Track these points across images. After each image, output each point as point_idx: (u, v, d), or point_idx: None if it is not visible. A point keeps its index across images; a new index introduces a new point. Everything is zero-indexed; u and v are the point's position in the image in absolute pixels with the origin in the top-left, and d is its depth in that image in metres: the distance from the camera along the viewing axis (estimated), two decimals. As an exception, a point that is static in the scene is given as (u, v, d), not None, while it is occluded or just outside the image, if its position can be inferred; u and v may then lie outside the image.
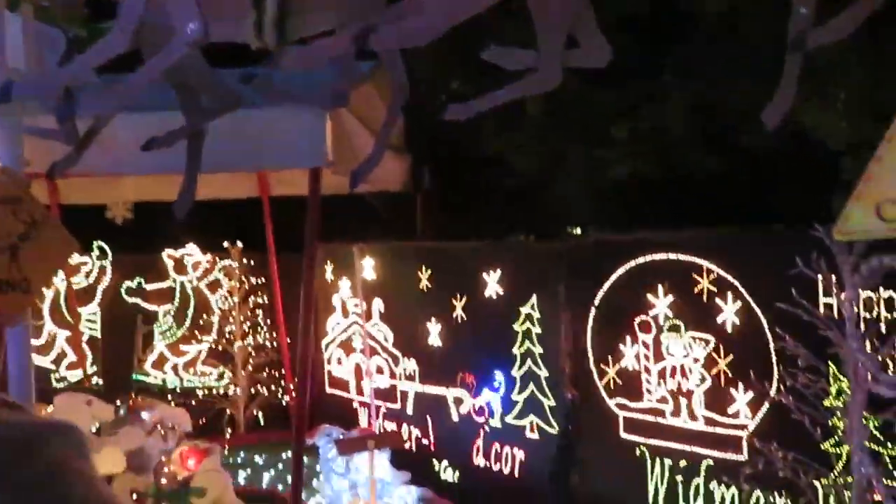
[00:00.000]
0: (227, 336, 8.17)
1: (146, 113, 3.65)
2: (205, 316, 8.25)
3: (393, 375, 7.15)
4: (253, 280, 8.12)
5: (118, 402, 5.84)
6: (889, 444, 3.49)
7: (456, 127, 7.01)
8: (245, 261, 8.17)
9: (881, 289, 4.17)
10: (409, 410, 7.03)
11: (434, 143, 6.57)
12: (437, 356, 6.79)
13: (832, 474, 3.65)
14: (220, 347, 8.18)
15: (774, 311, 4.26)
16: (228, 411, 8.06)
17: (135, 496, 5.38)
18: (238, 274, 8.18)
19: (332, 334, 7.81)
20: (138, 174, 5.20)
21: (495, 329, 6.32)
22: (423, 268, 6.88)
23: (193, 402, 7.74)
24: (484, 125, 6.45)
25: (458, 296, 6.58)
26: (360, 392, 7.56)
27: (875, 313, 4.22)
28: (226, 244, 8.22)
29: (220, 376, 8.19)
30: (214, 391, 8.13)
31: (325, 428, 6.21)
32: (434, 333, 6.79)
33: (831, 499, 4.39)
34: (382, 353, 7.21)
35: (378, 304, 7.24)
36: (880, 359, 3.10)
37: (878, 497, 3.37)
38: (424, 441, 6.92)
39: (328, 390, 7.90)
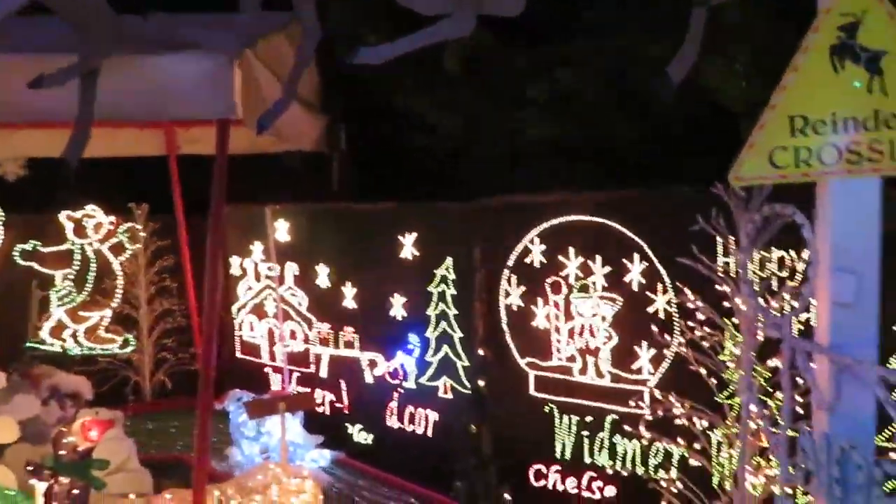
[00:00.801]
0: (132, 302, 7.84)
1: (37, 55, 3.41)
2: (107, 280, 7.87)
3: (307, 340, 7.06)
4: (160, 243, 7.79)
5: (10, 370, 5.52)
6: (775, 394, 3.71)
7: (373, 86, 6.92)
8: (151, 223, 7.83)
9: (773, 248, 4.44)
10: (323, 374, 6.98)
11: (351, 103, 6.44)
12: (351, 319, 6.75)
13: (726, 423, 3.86)
14: (124, 313, 7.83)
15: (676, 269, 4.43)
16: (134, 379, 7.77)
17: (31, 468, 5.11)
18: (143, 237, 7.83)
19: (244, 299, 7.63)
20: (30, 123, 4.85)
21: (410, 291, 6.33)
22: (339, 230, 6.79)
23: (95, 370, 7.40)
24: (401, 83, 6.37)
25: (374, 258, 6.54)
26: (272, 357, 7.44)
27: (767, 272, 4.48)
28: (131, 205, 7.85)
29: (125, 343, 7.87)
30: (118, 359, 7.80)
31: (234, 392, 6.09)
32: (349, 297, 6.74)
33: (724, 447, 4.68)
34: (296, 318, 7.10)
35: (292, 268, 7.11)
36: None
37: (764, 443, 3.61)
38: (338, 405, 6.90)
39: (239, 356, 7.73)
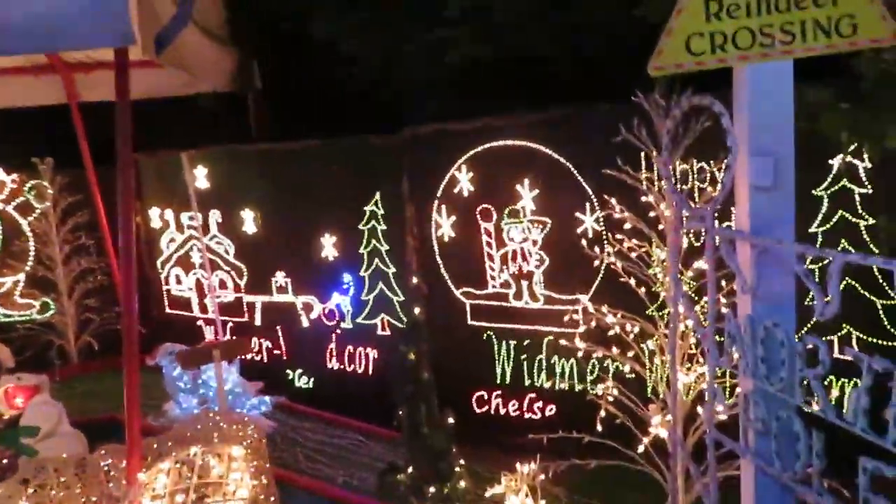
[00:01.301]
0: (46, 263, 7.45)
1: None
2: (17, 243, 7.44)
3: (238, 289, 6.88)
4: (70, 199, 7.37)
5: (-83, 341, 5.19)
6: (699, 298, 3.81)
7: (285, 16, 6.58)
8: (59, 178, 7.38)
9: (694, 161, 4.51)
10: (258, 322, 6.84)
11: (263, 37, 6.13)
12: (282, 263, 6.59)
13: (658, 332, 3.96)
14: (39, 276, 7.44)
15: (603, 185, 4.46)
16: (58, 343, 7.44)
17: (-48, 440, 4.86)
18: (52, 193, 7.39)
19: (168, 251, 7.35)
20: None
21: (340, 230, 6.21)
22: (261, 172, 6.56)
23: (16, 337, 7.05)
24: (314, 13, 6.10)
25: (300, 199, 6.37)
26: (203, 310, 7.23)
27: (689, 184, 4.56)
28: (34, 161, 7.37)
29: (44, 307, 7.50)
30: (38, 323, 7.44)
31: (166, 346, 5.90)
32: (278, 240, 6.57)
33: (657, 358, 4.83)
34: (224, 267, 6.90)
35: (215, 215, 6.86)
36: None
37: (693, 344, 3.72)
38: (276, 351, 6.80)
39: (169, 311, 7.49)
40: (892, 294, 4.20)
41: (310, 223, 6.34)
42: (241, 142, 6.88)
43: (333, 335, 6.43)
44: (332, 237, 6.25)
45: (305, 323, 6.52)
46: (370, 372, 6.28)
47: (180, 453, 3.12)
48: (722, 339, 2.20)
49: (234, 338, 6.56)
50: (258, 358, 6.85)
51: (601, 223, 4.96)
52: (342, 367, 6.41)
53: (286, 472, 5.21)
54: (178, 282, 7.34)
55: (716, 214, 2.24)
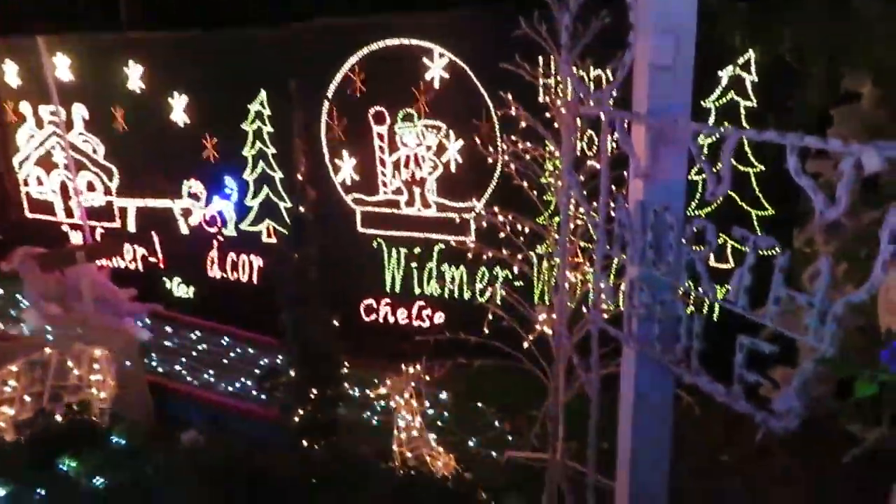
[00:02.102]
0: None
1: None
2: None
3: (108, 191, 6.35)
4: None
5: None
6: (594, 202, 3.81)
7: None
8: None
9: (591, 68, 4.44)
10: (132, 228, 6.37)
11: None
12: (158, 165, 6.11)
13: (548, 237, 3.95)
14: None
15: (499, 84, 4.32)
16: None
17: None
18: None
19: (27, 150, 6.65)
20: None
21: (222, 131, 5.80)
22: (132, 63, 5.96)
23: None
24: None
25: (177, 95, 5.86)
26: (69, 214, 6.66)
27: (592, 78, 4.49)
28: None
29: None
30: None
31: (22, 250, 5.37)
32: (152, 139, 6.05)
33: (545, 264, 4.89)
34: (92, 167, 6.33)
35: (80, 111, 6.23)
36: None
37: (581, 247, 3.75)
38: (152, 259, 6.39)
39: (29, 215, 6.84)
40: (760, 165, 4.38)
41: (188, 121, 5.87)
42: (109, 30, 6.21)
43: (215, 242, 6.10)
44: (212, 137, 5.83)
45: (184, 229, 6.14)
46: (255, 281, 6.03)
47: (32, 355, 2.84)
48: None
49: (101, 239, 6.07)
50: (132, 266, 6.42)
51: (497, 125, 4.85)
52: (225, 275, 6.12)
53: (164, 380, 4.97)
54: (40, 183, 6.69)
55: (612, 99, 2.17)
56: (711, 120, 4.37)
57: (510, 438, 4.29)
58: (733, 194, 4.58)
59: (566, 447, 3.26)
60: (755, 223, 4.46)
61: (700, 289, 1.85)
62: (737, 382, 1.77)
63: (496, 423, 4.44)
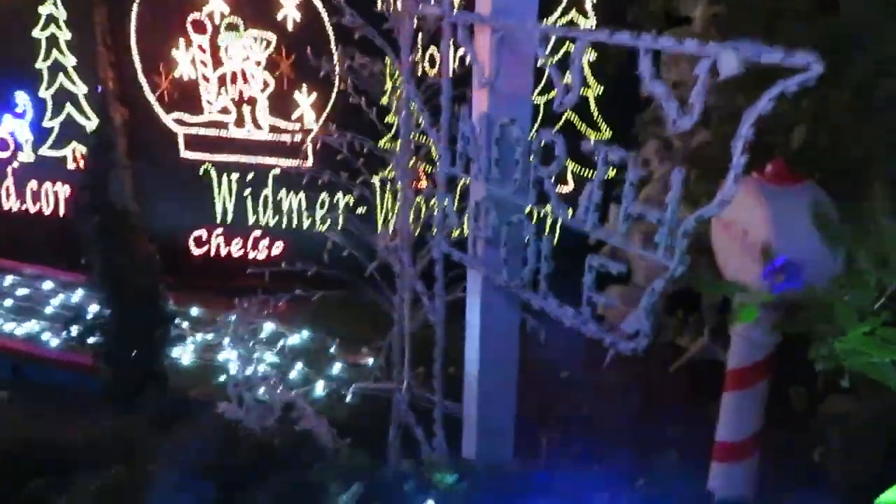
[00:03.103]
0: None
1: None
2: None
3: None
4: None
5: None
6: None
7: None
8: None
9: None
10: None
11: None
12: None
13: (390, 160, 3.72)
14: None
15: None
16: None
17: None
18: None
19: None
20: None
21: (7, 38, 4.93)
22: None
23: None
24: None
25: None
26: None
27: None
28: None
29: None
30: None
31: None
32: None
33: (387, 187, 4.69)
34: None
35: None
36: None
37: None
38: (-70, 190, 5.45)
39: None
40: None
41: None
42: None
43: (10, 169, 5.29)
44: (-4, 45, 4.96)
45: (-31, 154, 5.26)
46: (61, 212, 5.33)
47: None
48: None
49: None
50: None
51: (332, 34, 4.48)
52: (25, 206, 5.36)
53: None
54: None
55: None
56: (552, 42, 4.29)
57: (354, 372, 4.16)
58: (573, 115, 4.59)
59: (412, 374, 3.15)
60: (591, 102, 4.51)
61: (546, 208, 1.73)
62: (586, 304, 1.69)
63: (338, 356, 4.28)
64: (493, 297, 2.09)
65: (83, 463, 1.31)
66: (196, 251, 5.21)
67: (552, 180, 1.72)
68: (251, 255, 5.18)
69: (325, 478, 1.27)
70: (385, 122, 3.77)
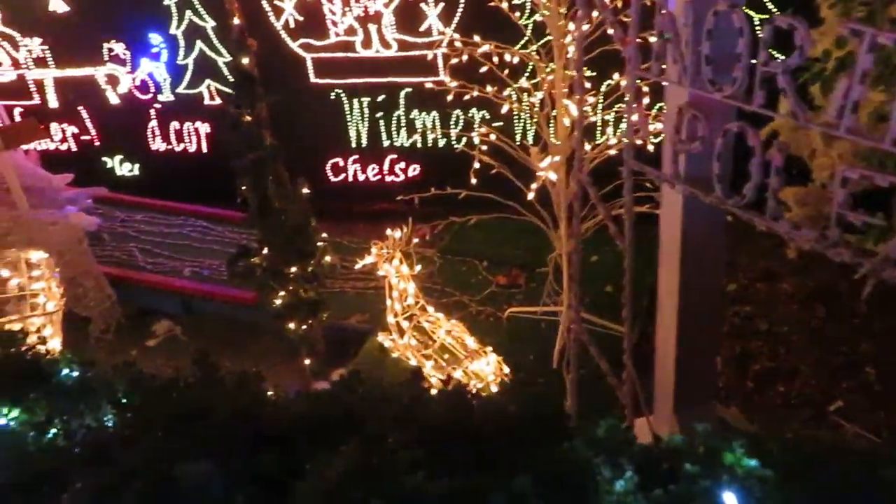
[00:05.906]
0: None
1: None
2: None
3: (16, 63, 5.51)
4: None
5: None
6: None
7: None
8: None
9: None
10: (53, 104, 5.61)
11: None
12: (68, 26, 5.25)
13: (538, 65, 3.43)
14: None
15: None
16: None
17: None
18: None
19: None
20: None
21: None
22: None
23: None
24: None
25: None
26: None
27: None
28: None
29: None
30: None
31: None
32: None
33: (535, 97, 4.40)
34: (-8, 37, 5.45)
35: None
36: None
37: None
38: (85, 137, 5.70)
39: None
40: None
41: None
42: None
43: (153, 111, 5.42)
44: (125, -13, 4.98)
45: (114, 99, 5.42)
46: (204, 150, 5.45)
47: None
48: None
49: (18, 121, 5.35)
50: (64, 147, 5.75)
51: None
52: (170, 147, 5.51)
53: (121, 271, 4.55)
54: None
55: None
56: None
57: (508, 294, 4.04)
58: None
59: (579, 297, 2.98)
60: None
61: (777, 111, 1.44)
62: (835, 225, 1.41)
63: (491, 279, 4.16)
64: (696, 219, 1.84)
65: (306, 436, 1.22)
66: (333, 178, 5.19)
67: (789, 77, 1.42)
68: (388, 179, 5.10)
69: (587, 455, 1.11)
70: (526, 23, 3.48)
